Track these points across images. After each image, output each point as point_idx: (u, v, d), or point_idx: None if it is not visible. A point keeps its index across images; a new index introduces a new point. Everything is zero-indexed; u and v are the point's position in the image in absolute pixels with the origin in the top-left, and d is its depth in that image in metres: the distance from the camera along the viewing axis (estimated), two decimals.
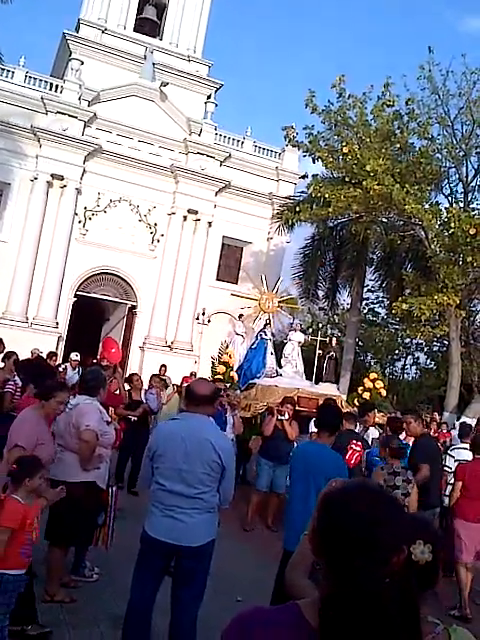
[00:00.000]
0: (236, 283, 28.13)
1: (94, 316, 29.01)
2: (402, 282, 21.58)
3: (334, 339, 18.60)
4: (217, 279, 28.03)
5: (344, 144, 17.68)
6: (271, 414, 9.44)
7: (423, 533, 1.95)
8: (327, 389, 14.26)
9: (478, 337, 27.40)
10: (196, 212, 26.86)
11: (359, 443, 7.50)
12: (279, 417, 9.19)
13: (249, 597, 5.56)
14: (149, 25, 28.41)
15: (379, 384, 15.16)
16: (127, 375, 13.76)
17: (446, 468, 8.24)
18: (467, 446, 8.06)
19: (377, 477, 5.67)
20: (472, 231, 15.87)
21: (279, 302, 17.13)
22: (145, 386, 11.66)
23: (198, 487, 3.99)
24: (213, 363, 14.78)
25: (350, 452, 7.36)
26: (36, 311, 24.40)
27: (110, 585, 5.42)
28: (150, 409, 10.65)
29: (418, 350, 33.82)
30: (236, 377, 14.47)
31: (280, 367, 15.23)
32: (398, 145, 18.42)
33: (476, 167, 19.94)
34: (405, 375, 35.47)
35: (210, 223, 27.31)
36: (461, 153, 19.40)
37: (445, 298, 17.57)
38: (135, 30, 27.93)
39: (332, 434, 5.29)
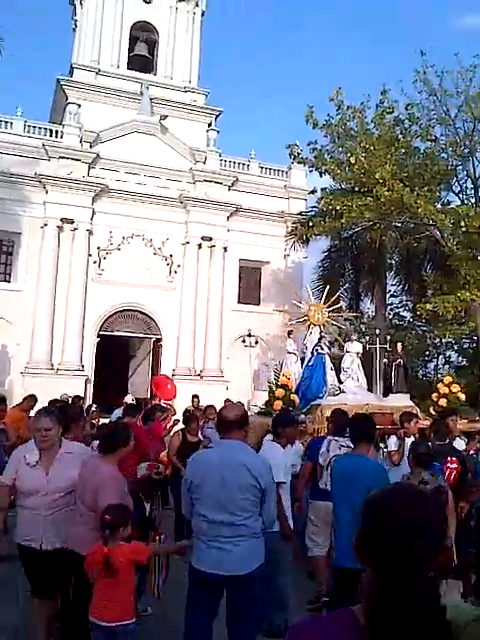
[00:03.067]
0: (258, 304, 28.14)
1: (119, 354, 29.06)
2: (423, 283, 21.55)
3: (399, 344, 17.15)
4: (239, 302, 28.03)
5: (349, 155, 17.71)
6: None
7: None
8: (399, 400, 13.06)
9: None
10: (210, 239, 26.94)
11: (455, 459, 6.68)
12: None
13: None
14: (142, 61, 28.73)
15: (455, 388, 13.76)
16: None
17: None
18: None
19: None
20: None
21: (329, 313, 15.61)
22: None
23: (239, 514, 3.94)
24: (270, 387, 13.99)
25: (447, 472, 6.54)
26: (60, 356, 24.48)
27: (162, 622, 5.37)
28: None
29: (449, 349, 33.47)
30: (297, 400, 12.92)
31: (340, 383, 13.96)
32: (403, 149, 18.38)
33: None
34: (439, 375, 35.04)
35: (225, 248, 27.37)
36: (466, 150, 19.28)
37: (468, 294, 17.53)
38: (128, 68, 28.24)
39: (370, 443, 5.23)
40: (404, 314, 32.18)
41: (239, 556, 3.92)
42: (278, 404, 12.07)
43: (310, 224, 21.04)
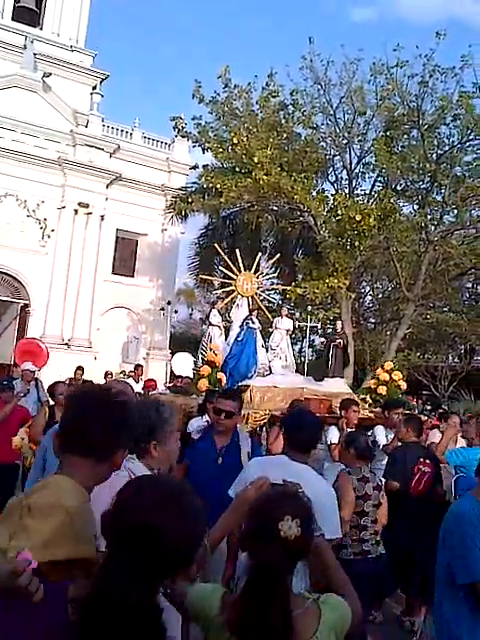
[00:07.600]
0: (132, 276, 27.96)
1: None
2: (295, 268, 22.07)
3: (339, 323, 15.60)
4: (113, 273, 27.68)
5: (232, 134, 17.85)
6: (278, 426, 6.74)
7: (289, 508, 1.95)
8: (336, 386, 11.50)
9: (368, 317, 28.54)
10: (87, 205, 26.34)
11: (429, 462, 5.74)
12: None
13: None
14: (28, 14, 27.41)
15: (397, 375, 11.92)
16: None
17: None
18: None
19: (345, 484, 4.55)
20: (358, 217, 16.47)
21: (259, 283, 14.27)
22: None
23: None
24: (194, 363, 12.52)
25: (417, 475, 5.65)
26: None
27: None
28: None
29: (313, 333, 34.59)
30: (224, 378, 11.16)
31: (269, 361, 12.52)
32: (285, 134, 18.77)
33: (359, 154, 20.61)
34: (302, 358, 36.26)
35: (102, 216, 26.86)
36: (344, 141, 19.95)
37: (335, 281, 18.12)
38: (14, 19, 26.91)
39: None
40: (274, 297, 32.97)
41: None
42: (203, 383, 10.75)
43: (189, 200, 21.07)
